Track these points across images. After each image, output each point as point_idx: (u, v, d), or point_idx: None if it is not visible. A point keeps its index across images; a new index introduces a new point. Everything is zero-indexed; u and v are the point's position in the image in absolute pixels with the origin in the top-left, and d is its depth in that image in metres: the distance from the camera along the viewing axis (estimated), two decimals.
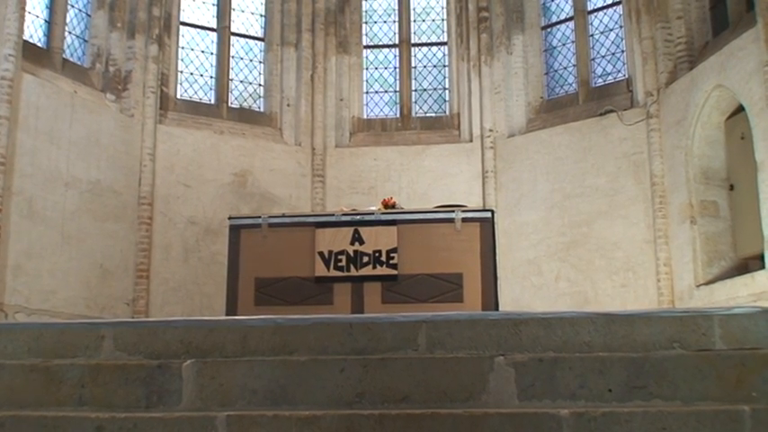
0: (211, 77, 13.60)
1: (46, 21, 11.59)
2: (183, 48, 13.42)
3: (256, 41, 14.11)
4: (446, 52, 14.33)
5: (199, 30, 13.67)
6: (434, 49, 14.45)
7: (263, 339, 4.47)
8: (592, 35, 13.25)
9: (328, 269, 8.33)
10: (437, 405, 4.02)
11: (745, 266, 10.18)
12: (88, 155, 11.33)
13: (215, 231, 12.30)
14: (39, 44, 11.37)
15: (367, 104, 14.31)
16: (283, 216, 8.88)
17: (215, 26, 13.79)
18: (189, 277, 12.20)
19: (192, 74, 13.45)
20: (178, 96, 13.17)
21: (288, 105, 13.73)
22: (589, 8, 13.35)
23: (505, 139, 13.20)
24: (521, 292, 12.42)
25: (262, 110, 13.86)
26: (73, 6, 12.03)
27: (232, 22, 13.88)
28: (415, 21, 14.55)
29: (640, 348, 4.27)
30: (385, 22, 14.63)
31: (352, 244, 8.36)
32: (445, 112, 14.10)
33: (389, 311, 6.47)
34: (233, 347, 4.46)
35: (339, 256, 8.34)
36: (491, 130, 13.21)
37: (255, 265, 8.48)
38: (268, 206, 12.60)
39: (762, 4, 9.43)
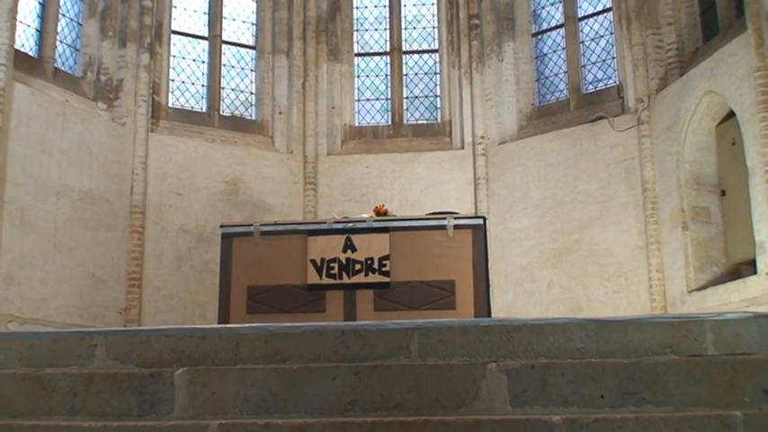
0: (203, 86, 13.59)
1: (37, 30, 11.56)
2: (174, 56, 13.40)
3: (248, 50, 14.11)
4: (437, 59, 14.35)
5: (190, 38, 13.65)
6: (425, 56, 14.47)
7: (255, 347, 4.46)
8: (582, 42, 13.29)
9: (320, 277, 8.32)
10: (429, 412, 4.03)
11: (737, 272, 10.18)
12: (80, 164, 11.30)
13: (207, 239, 12.27)
14: (30, 53, 11.34)
15: (358, 112, 14.31)
16: (275, 224, 8.88)
17: (206, 35, 13.78)
18: (181, 286, 12.16)
19: (183, 82, 13.43)
20: (170, 105, 13.14)
21: (279, 113, 13.73)
22: (579, 15, 13.38)
23: (497, 146, 13.21)
24: (513, 299, 12.42)
25: (253, 118, 13.85)
26: (64, 15, 12.01)
27: (223, 31, 13.87)
28: (406, 28, 14.57)
29: (632, 354, 4.27)
30: (376, 29, 14.64)
31: (344, 251, 8.36)
32: (437, 119, 14.11)
33: (382, 319, 6.45)
34: (225, 355, 4.45)
35: (331, 264, 8.34)
36: (482, 137, 13.22)
37: (247, 273, 8.48)
38: (260, 214, 12.57)
39: (752, 9, 9.47)
